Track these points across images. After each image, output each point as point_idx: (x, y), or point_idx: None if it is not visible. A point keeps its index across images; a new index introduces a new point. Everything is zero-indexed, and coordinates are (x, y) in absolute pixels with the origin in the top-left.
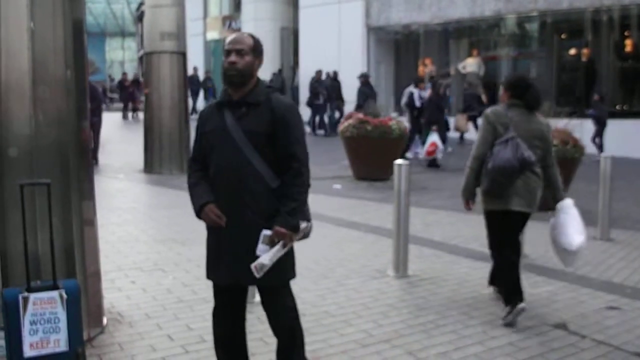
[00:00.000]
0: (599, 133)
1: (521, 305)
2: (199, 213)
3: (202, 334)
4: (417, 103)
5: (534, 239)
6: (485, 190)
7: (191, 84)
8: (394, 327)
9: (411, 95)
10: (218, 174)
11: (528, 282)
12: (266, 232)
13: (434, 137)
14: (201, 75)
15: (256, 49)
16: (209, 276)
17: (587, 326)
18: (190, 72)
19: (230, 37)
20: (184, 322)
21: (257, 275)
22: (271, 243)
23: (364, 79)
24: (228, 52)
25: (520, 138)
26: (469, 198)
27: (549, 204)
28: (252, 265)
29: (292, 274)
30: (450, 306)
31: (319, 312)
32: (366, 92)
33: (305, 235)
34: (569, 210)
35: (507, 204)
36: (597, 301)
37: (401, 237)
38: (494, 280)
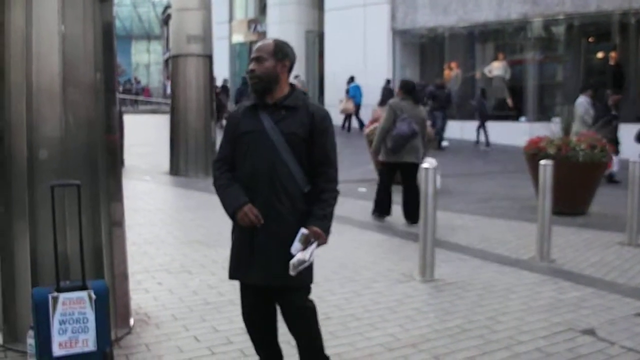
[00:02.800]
0: (482, 125)
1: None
2: (234, 214)
3: (229, 336)
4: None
5: (561, 244)
6: (390, 149)
7: None
8: (421, 331)
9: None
10: (254, 175)
11: (555, 287)
12: (304, 231)
13: None
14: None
15: (277, 53)
16: (235, 276)
17: (615, 333)
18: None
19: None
20: (211, 323)
21: (292, 273)
22: (306, 242)
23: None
24: (250, 61)
25: (410, 118)
26: (377, 154)
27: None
28: (291, 263)
29: (311, 279)
30: (477, 311)
31: (345, 315)
32: None
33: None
34: (430, 162)
35: (401, 158)
36: (626, 307)
37: (427, 240)
38: (376, 210)
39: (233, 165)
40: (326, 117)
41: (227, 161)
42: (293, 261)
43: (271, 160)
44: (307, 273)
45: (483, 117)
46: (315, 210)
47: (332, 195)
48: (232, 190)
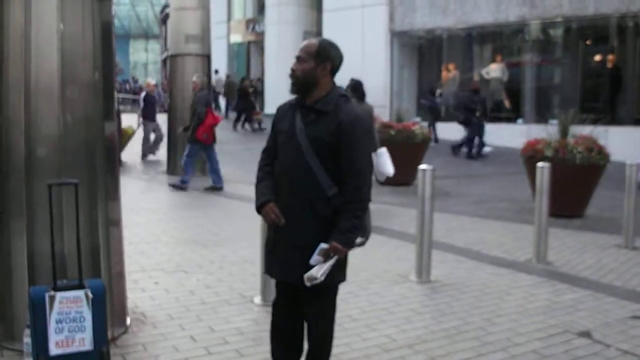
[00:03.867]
0: (432, 123)
1: None
2: (259, 210)
3: (225, 336)
4: None
5: (557, 247)
6: None
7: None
8: (417, 332)
9: None
10: (280, 174)
11: (552, 290)
12: (323, 246)
13: None
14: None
15: (320, 55)
16: (267, 271)
17: (611, 335)
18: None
19: None
20: (207, 323)
21: (308, 284)
22: (325, 256)
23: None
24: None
25: None
26: None
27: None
28: (305, 276)
29: (343, 277)
30: (473, 312)
31: (342, 316)
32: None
33: (360, 245)
34: (383, 153)
35: None
36: (622, 310)
37: (424, 242)
38: None
39: (274, 158)
40: (356, 125)
41: (269, 153)
42: (307, 275)
43: (296, 161)
44: (338, 272)
45: (434, 115)
46: (339, 223)
47: (357, 207)
48: (262, 185)
